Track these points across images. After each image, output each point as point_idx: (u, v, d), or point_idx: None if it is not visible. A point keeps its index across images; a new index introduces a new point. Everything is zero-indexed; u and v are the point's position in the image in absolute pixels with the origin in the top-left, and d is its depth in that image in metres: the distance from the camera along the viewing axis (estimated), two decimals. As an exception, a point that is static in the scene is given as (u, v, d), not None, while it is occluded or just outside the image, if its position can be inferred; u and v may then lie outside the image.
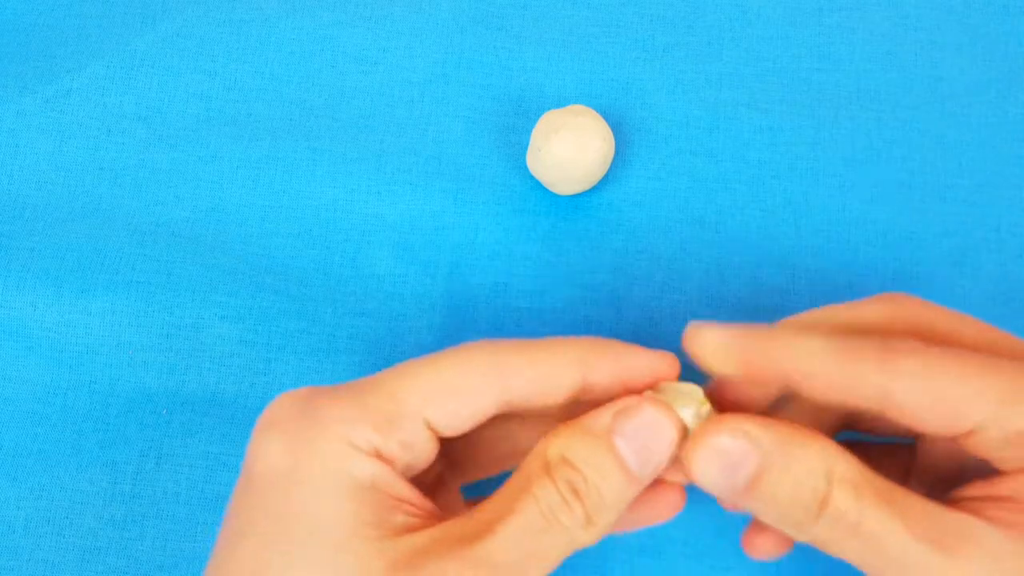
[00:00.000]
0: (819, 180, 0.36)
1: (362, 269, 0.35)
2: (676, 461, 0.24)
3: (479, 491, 0.30)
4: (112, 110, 0.38)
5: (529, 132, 0.37)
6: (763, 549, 0.27)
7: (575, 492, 0.23)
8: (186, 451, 0.33)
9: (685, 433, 0.24)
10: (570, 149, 0.33)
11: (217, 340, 0.34)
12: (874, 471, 0.23)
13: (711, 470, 0.23)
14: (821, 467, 0.22)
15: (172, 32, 0.39)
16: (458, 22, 0.39)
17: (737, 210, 0.36)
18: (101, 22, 0.39)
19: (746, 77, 0.38)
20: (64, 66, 0.38)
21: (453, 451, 0.28)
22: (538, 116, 0.37)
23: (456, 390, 0.24)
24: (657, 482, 0.26)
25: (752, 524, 0.28)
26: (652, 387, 0.25)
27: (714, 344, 0.24)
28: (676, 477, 0.26)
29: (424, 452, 0.24)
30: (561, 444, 0.23)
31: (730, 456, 0.23)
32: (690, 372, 0.26)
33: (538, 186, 0.36)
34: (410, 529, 0.23)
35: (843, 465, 0.23)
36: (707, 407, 0.24)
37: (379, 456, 0.23)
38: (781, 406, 0.28)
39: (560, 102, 0.37)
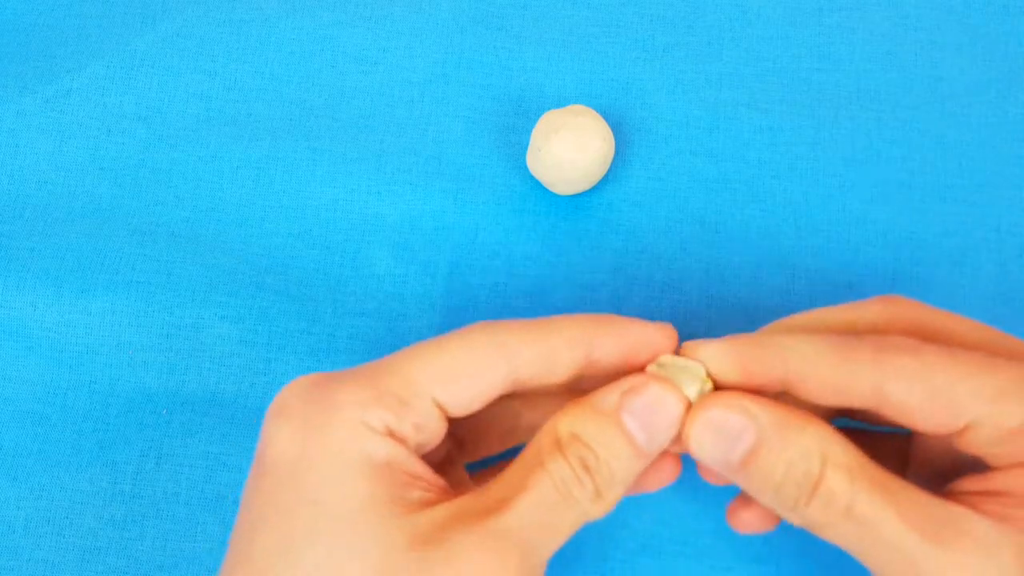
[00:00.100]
0: (819, 180, 0.36)
1: (362, 269, 0.35)
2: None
3: (482, 468, 0.30)
4: (112, 110, 0.38)
5: (529, 132, 0.37)
6: (748, 522, 0.27)
7: (586, 468, 0.23)
8: (186, 451, 0.33)
9: (689, 408, 0.25)
10: (570, 149, 0.33)
11: (217, 340, 0.34)
12: (870, 459, 0.23)
13: (708, 442, 0.24)
14: (816, 449, 0.23)
15: (172, 32, 0.39)
16: (458, 22, 0.39)
17: (737, 210, 0.36)
18: (101, 22, 0.39)
19: (746, 77, 0.38)
20: (64, 66, 0.38)
21: (460, 430, 0.29)
22: (538, 116, 0.37)
23: (465, 371, 0.24)
24: None
25: (739, 497, 0.28)
26: (655, 361, 0.25)
27: (713, 358, 0.25)
28: (673, 448, 0.26)
29: (434, 432, 0.25)
30: (571, 422, 0.24)
31: (727, 430, 0.23)
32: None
33: (538, 186, 0.36)
34: (426, 504, 0.23)
35: (838, 449, 0.23)
36: (709, 385, 0.25)
37: (392, 436, 0.24)
38: (780, 396, 0.28)
39: (560, 102, 0.37)
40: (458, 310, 0.35)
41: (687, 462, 0.29)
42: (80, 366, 0.34)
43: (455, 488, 0.25)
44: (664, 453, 0.26)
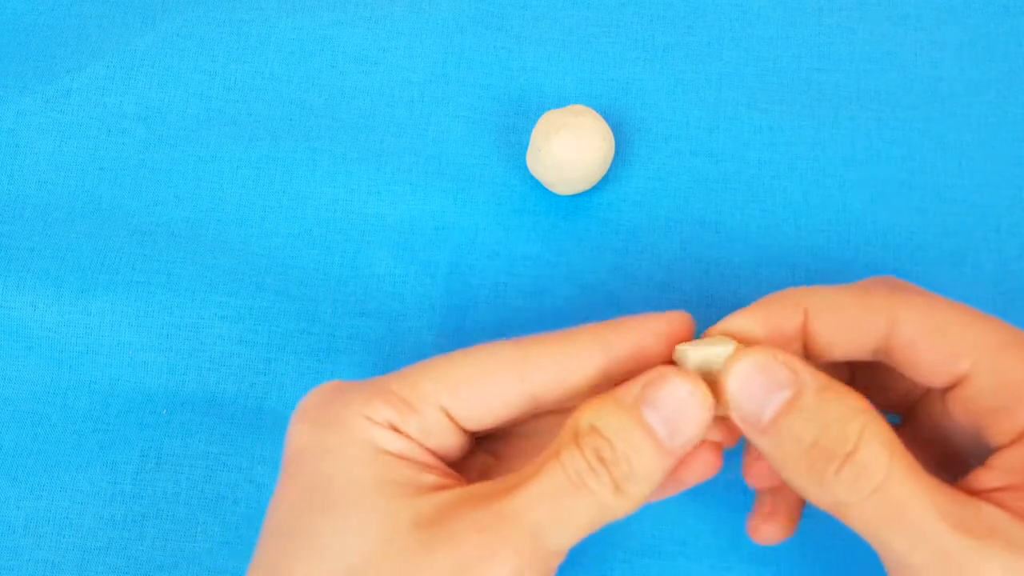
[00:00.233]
0: (819, 180, 0.36)
1: (362, 269, 0.35)
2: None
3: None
4: (112, 110, 0.38)
5: (529, 132, 0.37)
6: (767, 533, 0.27)
7: (601, 459, 0.23)
8: (186, 451, 0.33)
9: (716, 399, 0.24)
10: (570, 149, 0.33)
11: (217, 340, 0.34)
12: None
13: (748, 385, 0.23)
14: (856, 417, 0.22)
15: (172, 32, 0.39)
16: (458, 22, 0.39)
17: (737, 210, 0.36)
18: (101, 22, 0.39)
19: (746, 77, 0.38)
20: (64, 66, 0.38)
21: (494, 446, 0.29)
22: (538, 116, 0.37)
23: (472, 381, 0.25)
24: None
25: (758, 509, 0.28)
26: (676, 350, 0.25)
27: (734, 318, 0.25)
28: (712, 435, 0.26)
29: (448, 441, 0.25)
30: (591, 415, 0.24)
31: (770, 376, 0.23)
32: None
33: (538, 186, 0.36)
34: (437, 489, 0.24)
35: (878, 423, 0.22)
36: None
37: (396, 432, 0.24)
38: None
39: (560, 102, 0.37)
40: (458, 310, 0.35)
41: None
42: (80, 366, 0.34)
43: None
44: (702, 443, 0.26)
